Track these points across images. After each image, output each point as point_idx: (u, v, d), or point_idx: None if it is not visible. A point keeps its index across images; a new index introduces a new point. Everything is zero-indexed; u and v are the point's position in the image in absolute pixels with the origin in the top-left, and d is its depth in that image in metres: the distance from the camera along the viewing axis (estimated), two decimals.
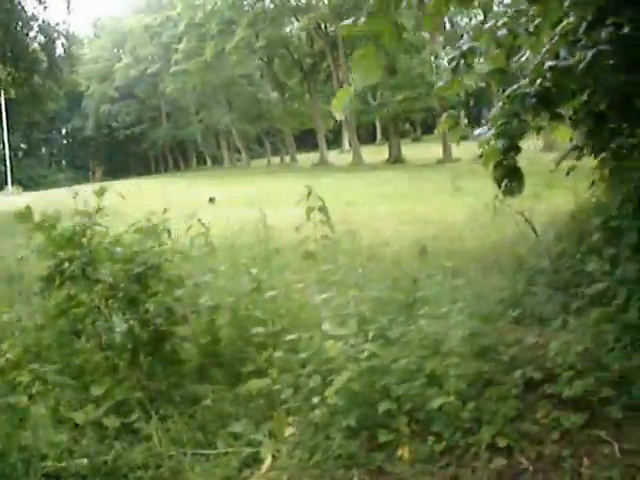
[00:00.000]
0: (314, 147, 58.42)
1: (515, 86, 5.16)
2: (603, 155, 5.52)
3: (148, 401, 4.19)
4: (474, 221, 9.30)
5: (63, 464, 3.82)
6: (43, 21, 34.38)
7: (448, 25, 52.74)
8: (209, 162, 76.21)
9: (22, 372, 4.55)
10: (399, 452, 3.92)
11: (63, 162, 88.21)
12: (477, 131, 5.42)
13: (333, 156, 55.20)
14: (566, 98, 5.07)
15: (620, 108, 5.03)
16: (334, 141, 66.50)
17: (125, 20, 73.26)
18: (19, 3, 32.52)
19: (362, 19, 4.72)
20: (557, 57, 5.04)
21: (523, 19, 5.50)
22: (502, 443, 3.96)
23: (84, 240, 4.28)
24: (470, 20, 42.72)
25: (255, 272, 5.10)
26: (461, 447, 3.95)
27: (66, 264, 4.34)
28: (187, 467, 3.84)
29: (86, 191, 4.81)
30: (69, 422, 4.22)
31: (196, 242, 5.06)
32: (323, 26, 50.55)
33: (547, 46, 5.20)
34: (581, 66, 4.58)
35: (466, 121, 17.13)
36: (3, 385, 4.53)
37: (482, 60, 5.80)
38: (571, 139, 6.33)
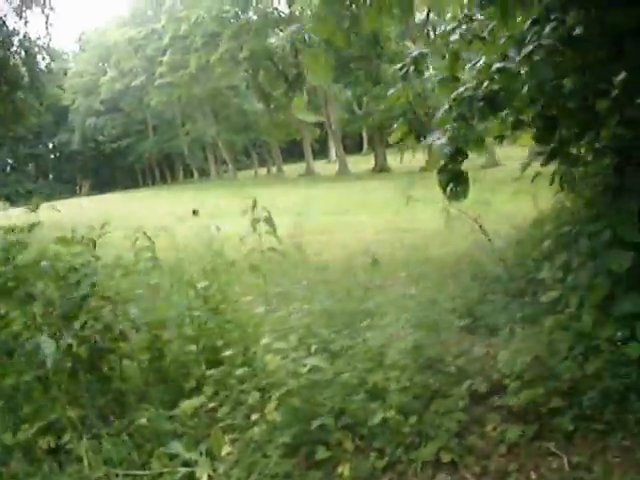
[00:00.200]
0: (301, 157, 58.39)
1: (462, 89, 5.06)
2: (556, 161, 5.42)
3: (81, 420, 4.05)
4: (434, 230, 9.17)
5: None
6: (24, 36, 34.17)
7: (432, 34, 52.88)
8: (196, 174, 75.93)
9: None
10: (339, 469, 3.80)
11: (50, 176, 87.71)
12: (429, 138, 5.30)
13: (320, 166, 55.19)
14: (513, 101, 4.97)
15: (570, 113, 4.95)
16: (321, 151, 66.46)
17: (109, 33, 73.14)
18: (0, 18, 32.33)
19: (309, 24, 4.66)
20: (505, 59, 4.96)
21: (474, 24, 5.42)
22: (446, 458, 3.86)
23: (10, 256, 4.14)
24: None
25: (202, 286, 4.97)
26: (403, 463, 3.84)
27: None
28: None
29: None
30: None
31: (142, 256, 4.91)
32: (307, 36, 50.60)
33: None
34: (525, 69, 4.50)
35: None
36: None
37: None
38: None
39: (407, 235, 10.51)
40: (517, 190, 8.28)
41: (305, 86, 54.28)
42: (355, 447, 3.95)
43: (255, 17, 53.22)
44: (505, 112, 5.14)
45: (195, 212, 25.99)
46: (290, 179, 50.40)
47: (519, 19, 5.04)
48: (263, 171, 67.57)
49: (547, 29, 4.57)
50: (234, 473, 3.78)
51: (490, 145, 5.98)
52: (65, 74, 74.35)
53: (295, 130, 58.07)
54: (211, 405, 4.16)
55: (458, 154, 5.03)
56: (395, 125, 5.82)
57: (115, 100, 72.28)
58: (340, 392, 4.05)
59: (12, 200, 60.59)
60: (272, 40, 50.06)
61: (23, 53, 34.75)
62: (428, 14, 37.64)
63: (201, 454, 3.89)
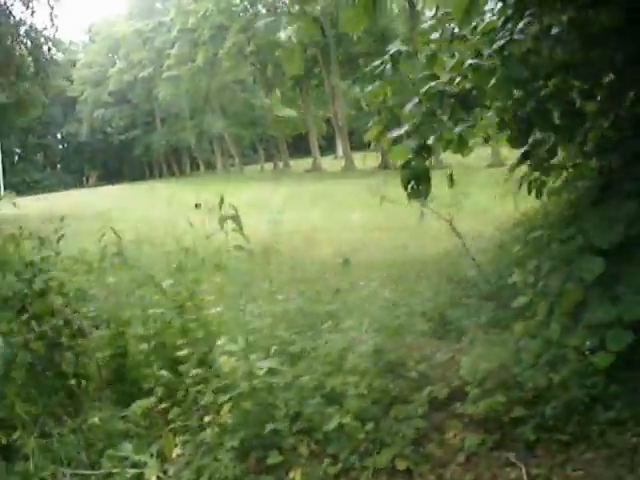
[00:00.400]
0: (308, 153, 58.17)
1: (433, 83, 4.92)
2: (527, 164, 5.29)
3: (34, 418, 3.99)
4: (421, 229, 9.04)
5: None
6: (30, 26, 34.12)
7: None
8: (202, 168, 75.87)
9: None
10: (291, 474, 3.73)
11: (58, 167, 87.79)
12: (395, 132, 5.15)
13: (327, 162, 55.00)
14: (485, 99, 4.84)
15: (547, 115, 4.83)
16: (328, 147, 66.24)
17: (119, 25, 73.14)
18: (7, 8, 32.30)
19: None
20: (479, 56, 4.83)
21: (452, 23, 5.30)
22: (401, 466, 3.78)
23: None
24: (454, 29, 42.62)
25: (168, 284, 4.89)
26: (357, 469, 3.76)
27: None
28: None
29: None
30: None
31: (108, 252, 4.84)
32: None
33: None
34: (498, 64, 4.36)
35: None
36: None
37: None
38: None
39: (391, 234, 10.39)
40: (506, 191, 8.16)
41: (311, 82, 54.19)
42: (309, 452, 3.87)
43: (264, 10, 53.07)
44: (477, 109, 5.01)
45: (197, 205, 25.93)
46: (296, 174, 50.23)
47: (494, 17, 4.93)
48: (270, 166, 67.39)
49: (520, 24, 4.44)
50: (184, 475, 3.72)
51: (475, 146, 5.81)
52: (74, 65, 74.44)
53: (302, 124, 57.88)
54: (164, 406, 4.08)
55: (423, 149, 4.89)
56: (370, 123, 5.72)
57: (123, 92, 72.28)
58: (297, 396, 3.97)
59: (19, 190, 60.81)
60: (280, 34, 49.97)
61: (29, 43, 34.74)
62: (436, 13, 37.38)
63: (152, 455, 3.85)
